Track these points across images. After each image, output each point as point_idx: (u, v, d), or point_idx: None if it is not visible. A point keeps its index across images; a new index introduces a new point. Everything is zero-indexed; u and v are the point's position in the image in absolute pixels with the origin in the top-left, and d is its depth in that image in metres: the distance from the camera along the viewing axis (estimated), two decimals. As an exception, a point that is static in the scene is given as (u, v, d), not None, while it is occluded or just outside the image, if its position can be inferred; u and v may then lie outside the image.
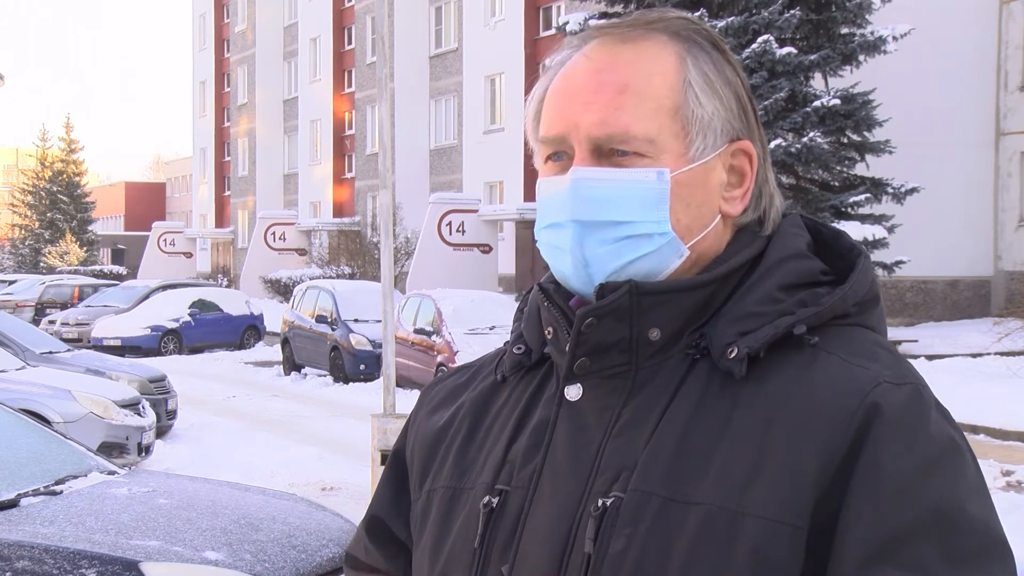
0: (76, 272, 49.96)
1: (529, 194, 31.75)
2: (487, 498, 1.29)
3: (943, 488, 1.15)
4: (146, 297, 28.17)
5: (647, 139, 1.25)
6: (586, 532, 1.20)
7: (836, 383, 1.19)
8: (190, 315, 26.22)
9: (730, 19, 19.40)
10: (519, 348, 1.37)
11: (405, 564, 1.42)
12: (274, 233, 44.74)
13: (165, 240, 53.54)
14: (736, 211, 1.31)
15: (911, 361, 1.25)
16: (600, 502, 1.21)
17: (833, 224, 1.39)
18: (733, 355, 1.22)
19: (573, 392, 1.28)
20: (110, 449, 10.23)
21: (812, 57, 19.62)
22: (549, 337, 1.32)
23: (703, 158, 1.27)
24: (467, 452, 1.36)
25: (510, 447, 1.32)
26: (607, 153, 1.26)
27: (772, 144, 18.98)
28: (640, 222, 1.25)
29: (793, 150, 19.04)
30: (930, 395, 1.22)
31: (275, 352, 23.47)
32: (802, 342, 1.23)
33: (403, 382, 15.55)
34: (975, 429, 12.93)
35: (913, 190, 20.28)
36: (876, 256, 20.01)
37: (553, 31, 29.34)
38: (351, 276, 34.86)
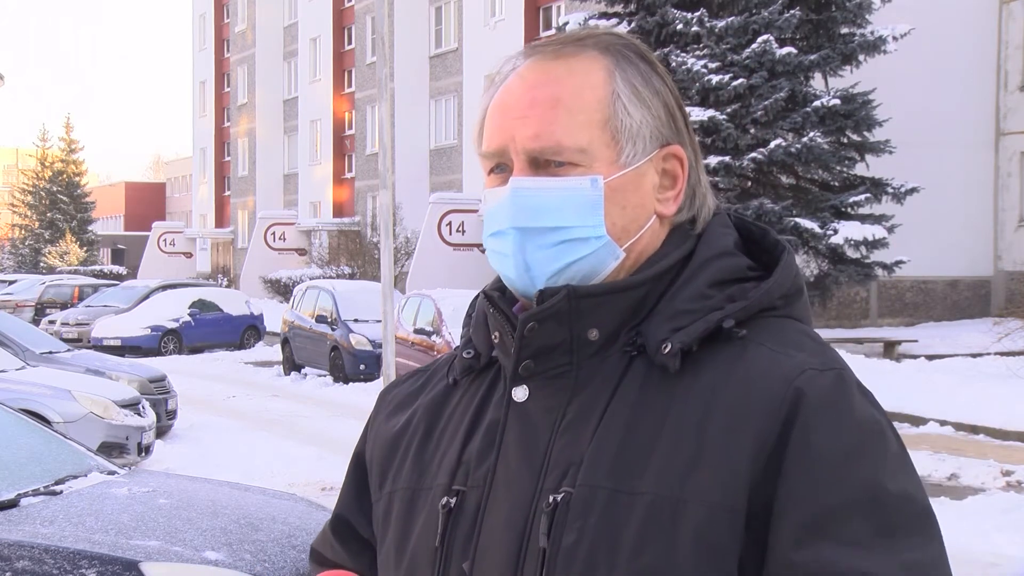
0: (76, 272, 49.97)
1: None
2: (445, 499, 1.35)
3: (871, 466, 1.23)
4: (146, 297, 28.17)
5: (579, 149, 1.32)
6: (540, 527, 1.27)
7: (765, 373, 1.27)
8: (190, 315, 26.22)
9: (730, 19, 19.40)
10: (468, 352, 1.44)
11: (369, 561, 1.49)
12: (274, 233, 44.75)
13: (165, 240, 53.55)
14: (670, 211, 1.38)
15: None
16: (551, 498, 1.27)
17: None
18: (667, 351, 1.29)
19: (520, 394, 1.34)
20: (110, 449, 10.23)
21: (812, 57, 19.62)
22: (496, 342, 1.39)
23: (634, 164, 1.35)
24: (424, 454, 1.43)
25: (464, 448, 1.38)
26: (543, 164, 1.33)
27: (772, 144, 18.99)
28: (576, 227, 1.32)
29: (793, 150, 19.04)
30: (852, 378, 1.29)
31: (275, 352, 23.47)
32: (732, 335, 1.30)
33: (403, 382, 15.51)
34: (975, 429, 12.93)
35: (913, 190, 20.28)
36: (876, 256, 20.03)
37: (553, 31, 29.35)
38: (351, 276, 34.85)
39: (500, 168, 1.36)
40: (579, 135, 1.32)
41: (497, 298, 1.39)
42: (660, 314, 1.32)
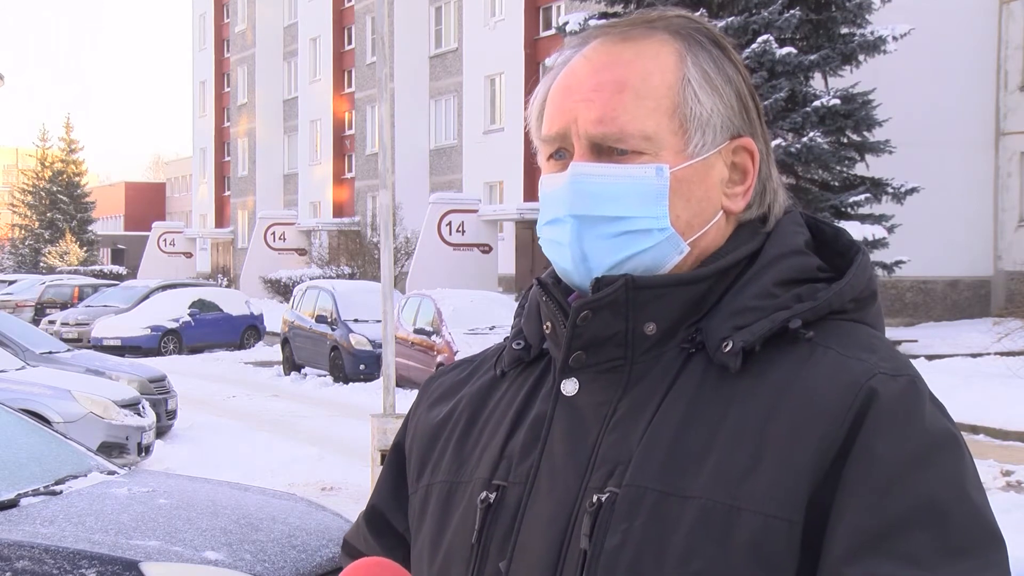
0: (76, 272, 49.96)
1: (529, 194, 31.76)
2: (484, 493, 1.29)
3: (936, 479, 1.15)
4: (146, 297, 28.17)
5: (644, 136, 1.25)
6: (582, 528, 1.21)
7: (832, 377, 1.19)
8: (190, 315, 26.21)
9: (730, 19, 19.40)
10: (518, 343, 1.37)
11: (404, 556, 1.42)
12: (274, 233, 44.75)
13: (165, 240, 53.55)
14: (739, 207, 1.31)
15: (910, 360, 1.25)
16: (595, 498, 1.21)
17: (834, 222, 1.40)
18: (728, 349, 1.22)
19: (569, 387, 1.28)
20: (110, 449, 10.23)
21: (812, 57, 19.62)
22: (548, 332, 1.32)
23: (702, 154, 1.28)
24: (464, 446, 1.36)
25: (507, 442, 1.32)
26: (606, 151, 1.26)
27: (772, 144, 18.97)
28: (639, 217, 1.25)
29: (793, 150, 19.04)
30: (925, 387, 1.22)
31: (275, 352, 23.47)
32: (797, 336, 1.23)
33: (403, 382, 15.56)
34: (975, 429, 12.93)
35: (913, 190, 20.28)
36: (876, 256, 20.01)
37: (553, 31, 29.34)
38: (351, 276, 34.85)
39: (560, 154, 1.29)
40: (645, 122, 1.25)
41: (551, 286, 1.32)
42: (722, 311, 1.25)
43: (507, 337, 1.41)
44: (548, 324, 1.31)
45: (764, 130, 1.35)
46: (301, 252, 44.33)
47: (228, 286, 41.74)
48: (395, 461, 1.48)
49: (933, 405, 1.21)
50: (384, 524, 1.47)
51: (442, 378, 1.49)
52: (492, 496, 1.29)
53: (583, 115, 1.26)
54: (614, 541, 1.19)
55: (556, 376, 1.30)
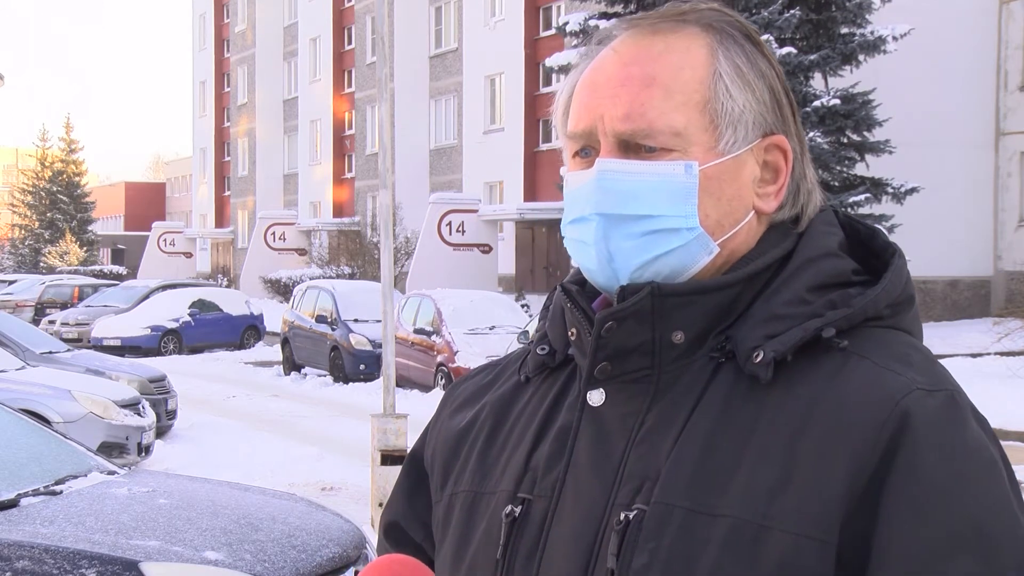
0: (76, 272, 49.95)
1: (529, 194, 31.77)
2: (509, 507, 1.26)
3: (980, 499, 1.11)
4: (146, 297, 28.17)
5: (673, 132, 1.21)
6: (608, 547, 1.18)
7: (867, 390, 1.15)
8: (190, 315, 26.22)
9: (730, 19, 19.41)
10: (543, 349, 1.34)
11: (425, 565, 1.41)
12: (274, 233, 44.77)
13: (165, 240, 53.56)
14: (771, 207, 1.27)
15: (948, 371, 1.22)
16: (623, 515, 1.18)
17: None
18: (759, 359, 1.18)
19: (595, 397, 1.24)
20: (110, 449, 10.23)
21: (812, 57, 19.63)
22: (572, 339, 1.29)
23: (733, 152, 1.24)
24: (488, 455, 1.34)
25: (532, 452, 1.29)
26: (634, 147, 1.22)
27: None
28: (667, 216, 1.21)
29: (793, 150, 19.05)
30: (966, 401, 1.17)
31: (275, 352, 23.47)
32: (831, 346, 1.18)
33: (403, 382, 15.57)
34: (975, 429, 12.93)
35: (913, 190, 20.29)
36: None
37: (553, 31, 29.33)
38: (351, 276, 34.86)
39: (586, 151, 1.25)
40: (674, 117, 1.21)
41: (575, 292, 1.28)
42: (753, 318, 1.21)
43: (531, 341, 1.38)
44: (573, 331, 1.28)
45: (799, 128, 1.30)
46: (301, 252, 44.34)
47: (228, 286, 41.75)
48: (409, 472, 1.46)
49: (975, 420, 1.16)
50: (402, 535, 1.45)
51: (465, 383, 1.46)
52: (517, 510, 1.26)
53: (610, 111, 1.22)
54: (642, 560, 1.16)
55: (582, 386, 1.26)
